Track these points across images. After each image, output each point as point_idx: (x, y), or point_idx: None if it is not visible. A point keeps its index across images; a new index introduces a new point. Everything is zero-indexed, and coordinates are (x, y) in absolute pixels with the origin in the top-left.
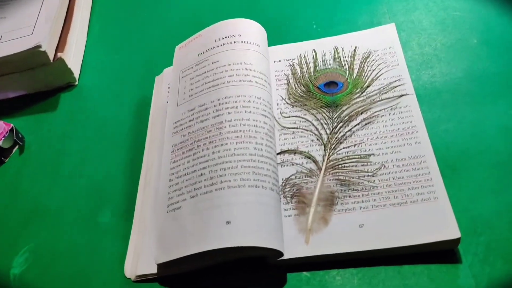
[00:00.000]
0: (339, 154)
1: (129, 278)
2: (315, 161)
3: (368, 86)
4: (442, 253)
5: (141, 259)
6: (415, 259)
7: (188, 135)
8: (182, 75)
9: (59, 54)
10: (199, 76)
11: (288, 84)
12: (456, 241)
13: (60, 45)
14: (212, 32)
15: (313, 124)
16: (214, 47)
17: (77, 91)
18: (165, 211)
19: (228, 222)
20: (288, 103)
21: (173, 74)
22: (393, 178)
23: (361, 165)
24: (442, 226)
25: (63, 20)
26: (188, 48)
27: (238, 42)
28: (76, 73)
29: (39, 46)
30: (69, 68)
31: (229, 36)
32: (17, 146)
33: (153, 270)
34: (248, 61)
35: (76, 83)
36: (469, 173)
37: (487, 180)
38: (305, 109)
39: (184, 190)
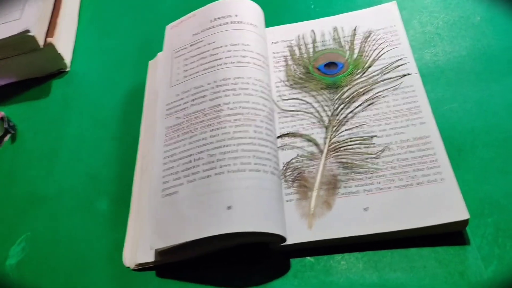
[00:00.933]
0: (341, 136)
1: (128, 267)
2: (316, 144)
3: (369, 66)
4: (449, 235)
5: (140, 247)
6: (422, 242)
7: (183, 118)
8: (175, 56)
9: (49, 39)
10: (194, 57)
11: (286, 66)
12: (464, 222)
13: (50, 30)
14: (207, 12)
15: (313, 107)
16: (210, 28)
17: (69, 77)
18: (160, 196)
19: (229, 207)
20: (287, 85)
21: (165, 54)
22: (398, 160)
23: (364, 147)
24: (450, 208)
25: (53, 4)
26: (181, 27)
27: (235, 22)
28: (68, 59)
29: (28, 31)
30: (60, 54)
31: (226, 16)
32: (8, 135)
33: (153, 258)
34: (245, 42)
35: (68, 69)
36: (475, 153)
37: (495, 160)
38: (305, 91)
39: (181, 174)
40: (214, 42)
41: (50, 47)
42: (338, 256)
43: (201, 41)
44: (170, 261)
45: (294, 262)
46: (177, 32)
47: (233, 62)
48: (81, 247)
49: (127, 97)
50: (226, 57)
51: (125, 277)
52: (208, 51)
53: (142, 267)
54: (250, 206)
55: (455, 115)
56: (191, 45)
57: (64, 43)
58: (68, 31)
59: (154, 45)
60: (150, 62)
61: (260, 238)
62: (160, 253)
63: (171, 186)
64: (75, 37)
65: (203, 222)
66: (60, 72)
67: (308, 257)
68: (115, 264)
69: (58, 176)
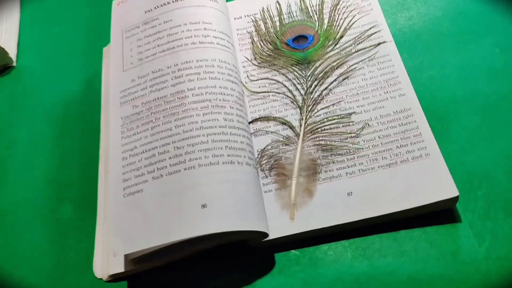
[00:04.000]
0: (317, 116)
1: (101, 278)
2: (291, 127)
3: (341, 37)
4: (439, 213)
5: (112, 256)
6: (411, 223)
7: (142, 106)
8: (126, 35)
9: None
10: (148, 37)
11: (252, 43)
12: (454, 199)
13: None
14: None
15: (285, 86)
16: (164, 4)
17: (16, 73)
18: (121, 195)
19: (203, 206)
20: (254, 65)
21: (114, 33)
22: (379, 137)
23: (343, 126)
24: (438, 185)
25: None
26: (130, 3)
27: None
28: (12, 53)
29: None
30: (3, 48)
31: None
32: None
33: (128, 267)
34: (206, 19)
35: (14, 64)
36: (459, 123)
37: (479, 128)
38: (274, 70)
39: (144, 170)
40: (171, 20)
41: None
42: (324, 246)
43: (156, 18)
44: (144, 268)
45: (279, 256)
46: (125, 9)
47: (195, 43)
48: (46, 261)
49: (82, 90)
50: (186, 37)
51: None
52: (165, 30)
53: (117, 277)
54: (227, 202)
55: (435, 82)
56: (144, 24)
57: (7, 36)
58: (10, 22)
59: (107, 29)
60: (104, 48)
61: (240, 237)
62: (133, 261)
63: (133, 184)
64: (19, 27)
65: (175, 223)
66: (5, 68)
67: (293, 250)
68: (86, 276)
69: (11, 187)
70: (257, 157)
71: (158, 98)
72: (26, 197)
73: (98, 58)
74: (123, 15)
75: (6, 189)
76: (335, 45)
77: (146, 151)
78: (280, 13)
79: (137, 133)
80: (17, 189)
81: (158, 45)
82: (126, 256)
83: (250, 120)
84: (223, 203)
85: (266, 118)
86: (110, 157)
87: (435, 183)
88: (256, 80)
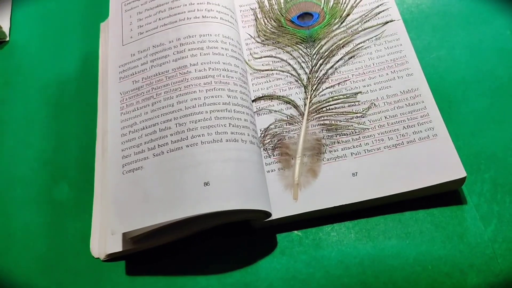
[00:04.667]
0: (322, 95)
1: (98, 258)
2: (295, 106)
3: (347, 15)
4: (445, 195)
5: (110, 235)
6: (416, 205)
7: (142, 81)
8: (126, 8)
9: None
10: (149, 10)
11: (256, 20)
12: (461, 180)
13: None
14: None
15: (289, 64)
16: None
17: (9, 48)
18: (120, 172)
19: (206, 184)
20: (258, 42)
21: (113, 6)
22: (386, 117)
23: (348, 106)
24: (445, 166)
25: None
26: None
27: None
28: (5, 26)
29: None
30: None
31: None
32: None
33: (125, 246)
34: None
35: (7, 39)
36: (468, 104)
37: (488, 110)
38: (278, 47)
39: (144, 147)
40: None
41: None
42: (327, 227)
43: None
44: (143, 248)
45: (281, 237)
46: None
47: (198, 17)
48: (42, 241)
49: (79, 66)
50: (189, 11)
51: (96, 269)
52: (167, 3)
53: (114, 257)
54: (230, 181)
55: (444, 63)
56: None
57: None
58: None
59: (105, 3)
60: (102, 24)
61: (243, 216)
62: (131, 240)
63: (133, 161)
64: (12, 0)
65: (176, 201)
66: None
67: (296, 231)
68: (82, 256)
69: (4, 166)
70: (261, 136)
71: (159, 73)
72: (21, 177)
73: (95, 34)
74: None
75: (0, 166)
76: (341, 23)
77: (146, 127)
78: None
79: (137, 109)
80: (10, 170)
81: (159, 19)
82: (124, 235)
83: (253, 98)
84: (226, 181)
85: (270, 97)
86: (109, 134)
87: (442, 164)
88: (259, 58)
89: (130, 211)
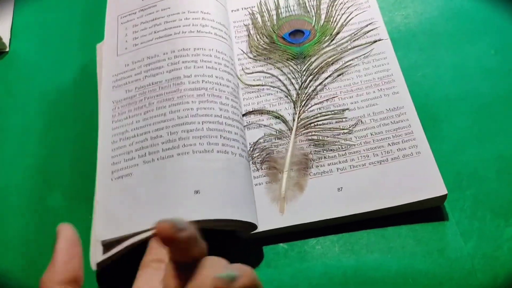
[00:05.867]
0: (311, 111)
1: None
2: (284, 121)
3: (337, 33)
4: (427, 211)
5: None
6: (399, 220)
7: (135, 91)
8: (122, 21)
9: None
10: (145, 23)
11: (249, 36)
12: (442, 198)
13: None
14: None
15: (279, 80)
16: None
17: (9, 59)
18: (109, 179)
19: (196, 192)
20: (250, 57)
21: (109, 18)
22: (372, 134)
23: (336, 122)
24: (427, 183)
25: None
26: None
27: None
28: (6, 37)
29: None
30: None
31: None
32: None
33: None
34: (205, 9)
35: (7, 49)
36: (451, 122)
37: (471, 128)
38: (269, 63)
39: (135, 154)
40: (169, 8)
41: None
42: (312, 241)
43: (154, 6)
44: (120, 254)
45: (267, 249)
46: None
47: (193, 32)
48: (35, 251)
49: (78, 76)
50: (184, 25)
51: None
52: (163, 17)
53: (104, 265)
54: (220, 190)
55: (429, 81)
56: (140, 10)
57: (0, 20)
58: (4, 6)
59: (103, 16)
60: (98, 45)
61: (228, 226)
62: (110, 244)
63: (122, 168)
64: (13, 11)
65: (166, 207)
66: None
67: (281, 244)
68: None
69: (1, 173)
70: (250, 149)
71: (152, 83)
72: (16, 185)
73: (93, 46)
74: (120, 1)
75: None
76: (331, 41)
77: (137, 135)
78: (277, 7)
79: (129, 117)
80: (6, 176)
81: (155, 32)
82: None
83: (243, 112)
84: (216, 190)
85: (260, 111)
86: (99, 140)
87: (424, 181)
88: (251, 73)
89: (116, 218)
